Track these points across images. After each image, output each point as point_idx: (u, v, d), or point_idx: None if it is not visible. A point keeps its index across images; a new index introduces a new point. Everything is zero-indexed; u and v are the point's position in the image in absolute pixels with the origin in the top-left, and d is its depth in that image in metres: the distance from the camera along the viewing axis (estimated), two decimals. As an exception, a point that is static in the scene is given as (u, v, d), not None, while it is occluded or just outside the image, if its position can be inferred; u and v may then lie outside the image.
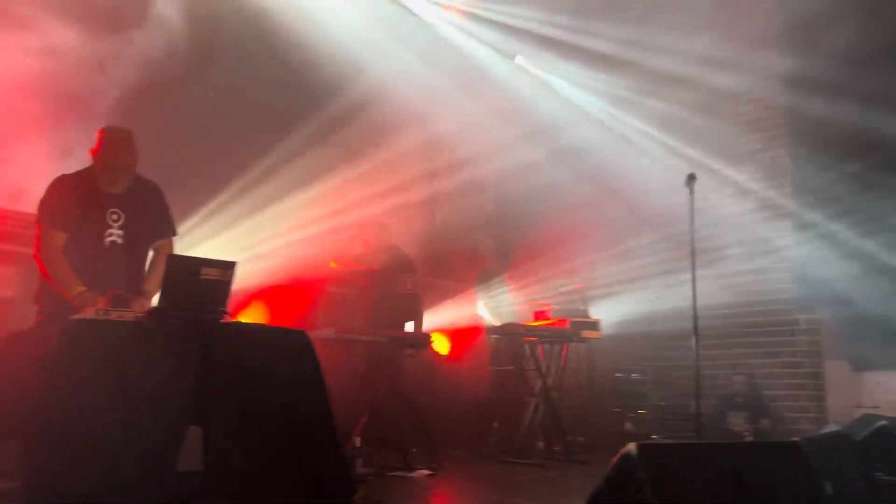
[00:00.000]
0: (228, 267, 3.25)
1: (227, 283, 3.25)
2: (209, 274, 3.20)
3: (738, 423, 6.71)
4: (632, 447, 2.49)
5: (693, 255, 4.56)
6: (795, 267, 6.92)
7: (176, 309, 3.11)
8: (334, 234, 6.17)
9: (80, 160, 3.74)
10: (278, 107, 6.62)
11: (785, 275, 6.98)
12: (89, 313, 2.99)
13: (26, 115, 4.90)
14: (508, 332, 5.94)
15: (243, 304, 5.44)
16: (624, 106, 8.00)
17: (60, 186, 3.53)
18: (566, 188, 7.58)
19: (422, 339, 5.54)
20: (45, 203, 3.51)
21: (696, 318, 4.51)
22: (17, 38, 4.95)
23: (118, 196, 3.62)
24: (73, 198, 3.51)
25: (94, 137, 3.60)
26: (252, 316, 5.45)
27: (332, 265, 5.87)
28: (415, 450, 5.76)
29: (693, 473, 2.51)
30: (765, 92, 7.32)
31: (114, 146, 3.56)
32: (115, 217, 3.59)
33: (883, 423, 3.83)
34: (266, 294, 5.66)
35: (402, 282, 5.90)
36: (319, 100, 6.82)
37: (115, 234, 3.58)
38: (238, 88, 6.32)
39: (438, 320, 6.82)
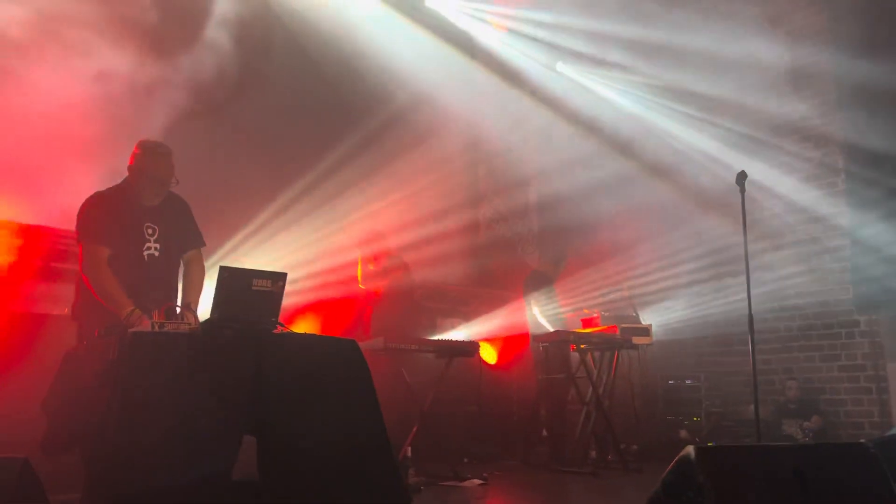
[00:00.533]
0: (279, 278, 3.29)
1: (278, 293, 3.30)
2: (260, 285, 3.25)
3: (792, 429, 6.52)
4: (690, 450, 2.43)
5: (746, 256, 4.44)
6: (853, 267, 6.71)
7: (229, 320, 3.17)
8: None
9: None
10: (324, 126, 6.71)
11: (842, 275, 6.77)
12: (145, 325, 3.05)
13: (79, 139, 5.05)
14: (558, 340, 5.88)
15: (294, 315, 5.51)
16: (671, 105, 7.90)
17: (98, 203, 3.61)
18: (613, 193, 7.50)
19: (470, 348, 5.53)
20: (84, 220, 3.57)
21: (751, 321, 4.37)
22: (72, 64, 5.13)
23: (152, 209, 3.70)
24: (112, 213, 3.59)
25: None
26: (303, 327, 5.50)
27: (362, 287, 5.92)
28: (465, 459, 5.74)
29: (754, 476, 2.44)
30: (815, 88, 7.14)
31: (157, 160, 3.64)
32: (150, 231, 3.67)
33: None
34: (316, 306, 5.72)
35: (416, 293, 5.97)
36: (364, 121, 6.90)
37: (152, 247, 3.66)
38: (284, 108, 6.43)
39: (485, 329, 6.80)
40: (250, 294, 3.21)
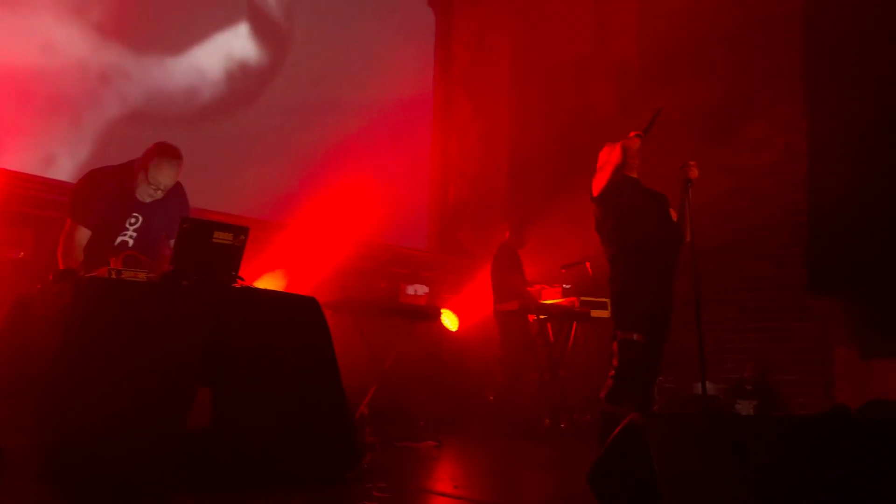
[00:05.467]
0: (241, 232, 3.28)
1: (239, 247, 3.29)
2: (221, 238, 3.24)
3: (746, 410, 6.66)
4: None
5: (692, 242, 4.38)
6: (808, 250, 6.81)
7: (188, 271, 3.15)
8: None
9: (63, 170, 3.69)
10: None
11: (797, 259, 6.89)
12: (102, 272, 3.02)
13: (14, 113, 4.72)
14: (518, 310, 5.96)
15: (260, 270, 5.46)
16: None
17: (93, 183, 3.62)
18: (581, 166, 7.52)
19: (431, 313, 5.57)
20: (75, 197, 3.61)
21: (698, 301, 4.35)
22: (15, 27, 4.77)
23: (145, 203, 3.69)
24: (103, 197, 3.59)
25: (137, 148, 3.65)
26: (267, 283, 5.47)
27: None
28: (421, 422, 5.82)
29: (696, 445, 2.52)
30: (779, 66, 7.16)
31: (161, 165, 3.59)
32: (133, 221, 3.68)
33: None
34: (282, 262, 5.69)
35: None
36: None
37: (127, 235, 3.67)
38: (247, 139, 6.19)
39: (448, 296, 6.85)
40: (211, 246, 3.20)
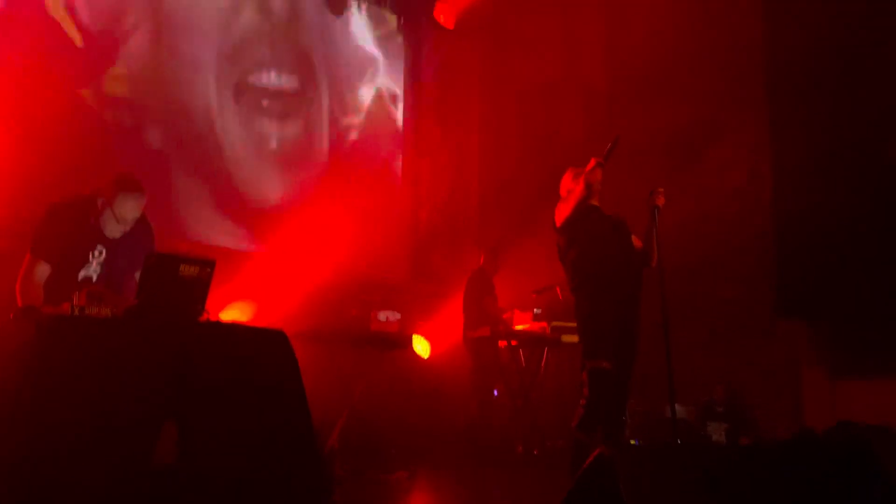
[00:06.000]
0: (207, 265, 3.23)
1: (206, 281, 3.24)
2: (188, 272, 3.19)
3: (717, 433, 6.68)
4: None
5: (659, 267, 4.41)
6: (777, 268, 6.90)
7: (153, 306, 3.10)
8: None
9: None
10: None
11: (764, 281, 6.98)
12: (64, 308, 2.96)
13: None
14: (489, 336, 5.96)
15: (227, 300, 5.40)
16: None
17: (56, 217, 3.54)
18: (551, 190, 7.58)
19: (402, 341, 5.53)
20: (38, 231, 3.51)
21: (666, 324, 4.36)
22: None
23: (109, 237, 3.63)
24: (66, 231, 3.52)
25: (107, 176, 3.57)
26: (234, 313, 5.41)
27: None
28: (393, 451, 5.76)
29: (667, 476, 2.52)
30: (743, 91, 7.29)
31: (126, 202, 3.53)
32: (97, 253, 3.61)
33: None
34: (251, 291, 5.63)
35: None
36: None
37: (91, 269, 3.60)
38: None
39: (419, 323, 6.82)
40: (177, 280, 3.15)
